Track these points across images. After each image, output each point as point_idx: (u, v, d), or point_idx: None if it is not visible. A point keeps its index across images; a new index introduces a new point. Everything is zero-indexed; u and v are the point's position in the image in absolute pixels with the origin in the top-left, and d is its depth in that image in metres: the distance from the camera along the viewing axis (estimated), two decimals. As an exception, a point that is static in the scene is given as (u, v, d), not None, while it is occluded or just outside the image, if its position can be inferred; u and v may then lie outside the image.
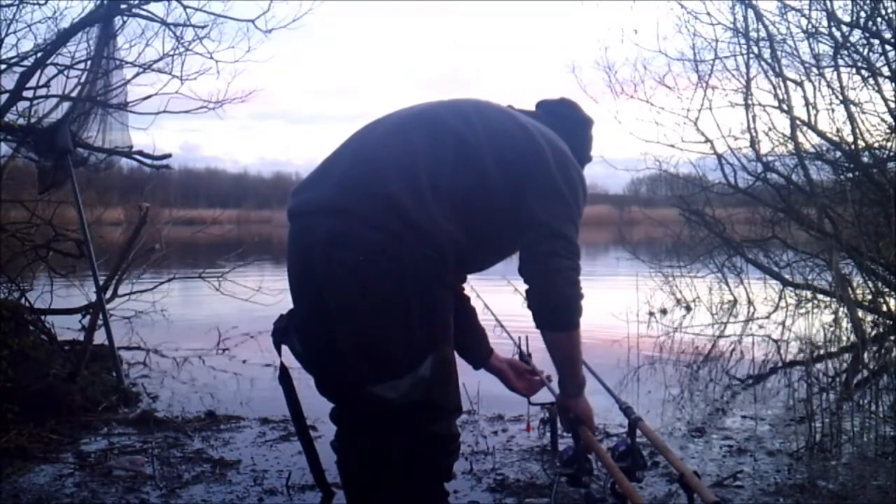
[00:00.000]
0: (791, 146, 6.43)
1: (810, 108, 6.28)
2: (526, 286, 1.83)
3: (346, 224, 1.70)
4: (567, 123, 2.05)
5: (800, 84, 6.37)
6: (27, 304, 4.87)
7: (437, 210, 1.73)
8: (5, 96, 4.79)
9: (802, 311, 7.36)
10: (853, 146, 6.02)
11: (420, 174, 1.74)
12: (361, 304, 1.69)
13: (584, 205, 1.89)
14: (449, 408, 1.80)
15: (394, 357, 1.71)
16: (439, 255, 1.72)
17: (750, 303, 8.05)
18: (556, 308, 1.81)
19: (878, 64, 5.80)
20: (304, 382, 1.99)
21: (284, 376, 1.99)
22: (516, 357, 2.36)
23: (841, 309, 6.50)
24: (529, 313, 1.83)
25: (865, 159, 6.08)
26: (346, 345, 1.73)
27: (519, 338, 2.44)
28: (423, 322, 1.71)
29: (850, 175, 6.25)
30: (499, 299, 2.99)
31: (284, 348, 1.89)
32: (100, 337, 4.46)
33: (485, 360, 2.21)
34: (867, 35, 5.75)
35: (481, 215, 1.80)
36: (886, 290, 6.20)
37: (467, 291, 2.12)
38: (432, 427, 1.75)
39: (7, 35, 4.85)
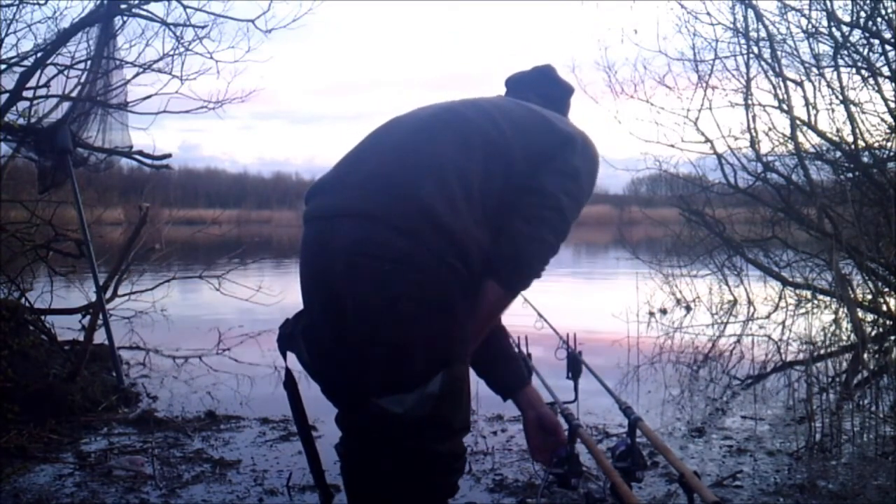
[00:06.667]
0: (791, 146, 6.42)
1: (810, 108, 6.29)
2: (502, 238, 1.75)
3: (373, 229, 1.62)
4: (556, 100, 2.11)
5: (800, 84, 6.37)
6: (27, 304, 4.88)
7: (470, 215, 1.67)
8: (5, 96, 4.79)
9: (802, 311, 7.37)
10: (853, 146, 6.02)
11: (451, 178, 1.67)
12: (382, 314, 1.61)
13: (590, 193, 1.91)
14: (456, 426, 1.73)
15: (405, 370, 1.63)
16: (465, 265, 1.66)
17: (750, 303, 8.05)
18: (519, 269, 1.74)
19: (878, 64, 5.80)
20: (307, 385, 1.96)
21: (289, 382, 1.92)
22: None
23: (841, 309, 6.51)
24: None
25: (865, 159, 6.08)
26: (356, 353, 1.67)
27: (519, 338, 2.37)
28: (442, 337, 1.64)
29: (850, 175, 6.25)
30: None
31: (290, 355, 1.84)
32: (100, 337, 4.46)
33: (508, 390, 2.06)
34: (867, 35, 5.75)
35: (503, 213, 1.75)
36: (886, 290, 6.20)
37: None
38: (437, 446, 1.68)
39: (7, 35, 4.87)
